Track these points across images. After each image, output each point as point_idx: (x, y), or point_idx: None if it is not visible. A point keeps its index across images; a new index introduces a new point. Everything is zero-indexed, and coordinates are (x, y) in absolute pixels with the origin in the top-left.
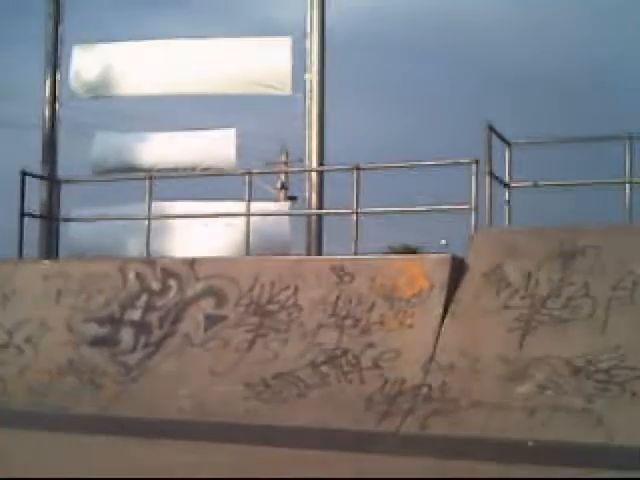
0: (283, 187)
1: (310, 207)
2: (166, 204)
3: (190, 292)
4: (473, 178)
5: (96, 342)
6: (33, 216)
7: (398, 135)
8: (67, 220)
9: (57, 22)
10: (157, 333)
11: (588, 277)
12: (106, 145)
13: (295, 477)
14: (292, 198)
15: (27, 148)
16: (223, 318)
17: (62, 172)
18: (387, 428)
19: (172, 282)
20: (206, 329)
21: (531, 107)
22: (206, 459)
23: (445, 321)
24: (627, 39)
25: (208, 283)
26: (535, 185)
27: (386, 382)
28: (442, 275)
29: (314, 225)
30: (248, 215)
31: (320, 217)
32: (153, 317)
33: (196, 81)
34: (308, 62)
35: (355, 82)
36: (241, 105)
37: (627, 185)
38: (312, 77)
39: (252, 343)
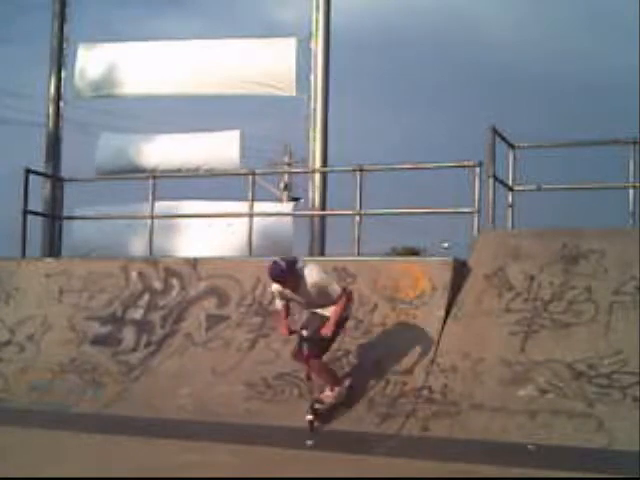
0: (286, 188)
1: (313, 208)
2: (170, 204)
3: (192, 292)
4: (476, 181)
5: (98, 341)
6: (36, 214)
7: (401, 136)
8: (70, 218)
9: (62, 21)
10: (159, 332)
11: (590, 281)
12: (111, 146)
13: (295, 477)
14: (296, 199)
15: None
16: (225, 318)
17: (65, 171)
18: (388, 430)
19: (175, 282)
20: (208, 329)
21: (534, 110)
22: (207, 458)
23: (447, 323)
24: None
25: (210, 283)
26: (538, 188)
27: (387, 383)
28: (444, 277)
29: (317, 226)
30: (251, 215)
31: (323, 218)
32: (155, 316)
33: (200, 81)
34: (312, 63)
35: (359, 83)
36: (245, 105)
37: (631, 189)
38: (316, 78)
39: (254, 343)
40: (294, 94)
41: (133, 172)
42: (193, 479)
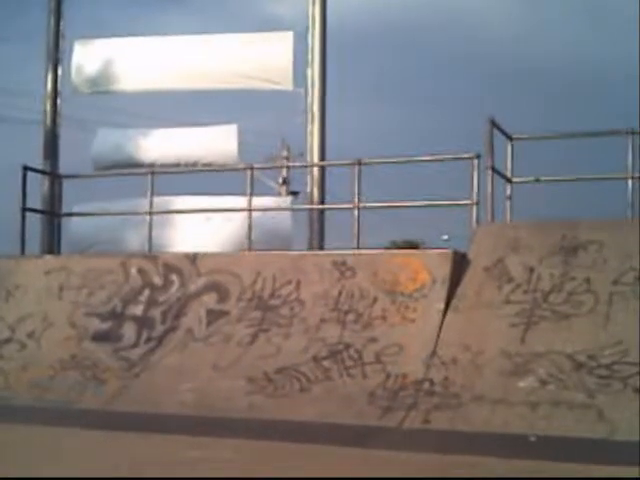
0: (285, 182)
1: (312, 202)
2: (168, 199)
3: (192, 287)
4: (475, 173)
5: (99, 337)
6: (35, 211)
7: (397, 131)
8: (69, 215)
9: (58, 18)
10: (159, 328)
11: (590, 272)
12: (108, 141)
13: (298, 477)
14: (294, 193)
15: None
16: (225, 313)
17: (63, 168)
18: (389, 423)
19: (174, 277)
20: (208, 324)
21: (531, 104)
22: (209, 454)
23: (447, 316)
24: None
25: (210, 278)
26: (537, 180)
27: (388, 377)
28: (444, 270)
29: (316, 220)
30: (250, 210)
31: (322, 212)
32: (155, 312)
33: (197, 77)
34: (309, 57)
35: (356, 77)
36: (242, 100)
37: (629, 180)
38: (313, 72)
39: (254, 338)
40: (291, 88)
41: (131, 167)
42: (193, 479)
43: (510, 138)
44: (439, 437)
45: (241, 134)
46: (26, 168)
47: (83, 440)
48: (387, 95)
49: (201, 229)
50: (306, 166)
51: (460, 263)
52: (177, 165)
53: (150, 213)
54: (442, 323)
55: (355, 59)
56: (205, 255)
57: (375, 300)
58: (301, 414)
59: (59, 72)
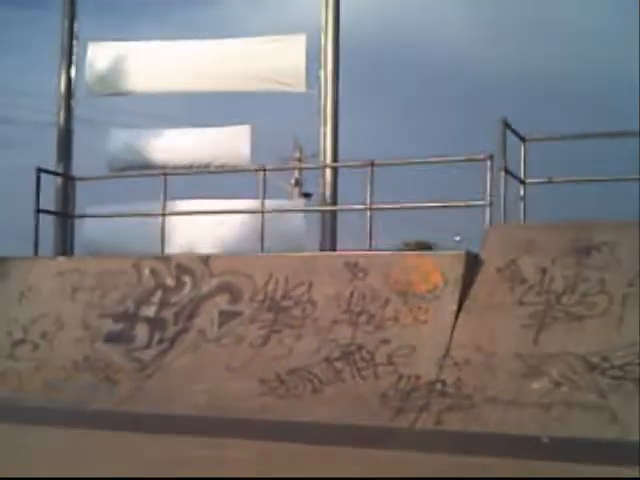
0: (297, 184)
1: (324, 203)
2: (180, 202)
3: (205, 288)
4: (488, 174)
5: (111, 338)
6: (49, 213)
7: (405, 136)
8: (83, 217)
9: (72, 19)
10: (172, 329)
11: (603, 273)
12: (121, 142)
13: (307, 477)
14: (307, 195)
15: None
16: (238, 314)
17: (75, 170)
18: (402, 424)
19: (187, 278)
20: (221, 325)
21: (534, 107)
22: (220, 454)
23: (459, 317)
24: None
25: (223, 279)
26: (550, 181)
27: (400, 378)
28: (456, 271)
29: (328, 221)
30: (262, 212)
31: (334, 213)
32: (168, 313)
33: (210, 79)
34: (322, 59)
35: (362, 83)
36: (255, 102)
37: None
38: (326, 74)
39: (267, 339)
40: (304, 90)
41: (144, 168)
42: (204, 479)
43: (523, 139)
44: (451, 438)
45: (254, 135)
46: (40, 170)
47: (96, 441)
48: (390, 99)
49: (214, 231)
50: (318, 167)
51: (472, 264)
52: (189, 166)
53: (163, 215)
54: (455, 324)
55: (362, 61)
56: (218, 256)
57: (387, 301)
58: (313, 415)
59: (72, 73)
